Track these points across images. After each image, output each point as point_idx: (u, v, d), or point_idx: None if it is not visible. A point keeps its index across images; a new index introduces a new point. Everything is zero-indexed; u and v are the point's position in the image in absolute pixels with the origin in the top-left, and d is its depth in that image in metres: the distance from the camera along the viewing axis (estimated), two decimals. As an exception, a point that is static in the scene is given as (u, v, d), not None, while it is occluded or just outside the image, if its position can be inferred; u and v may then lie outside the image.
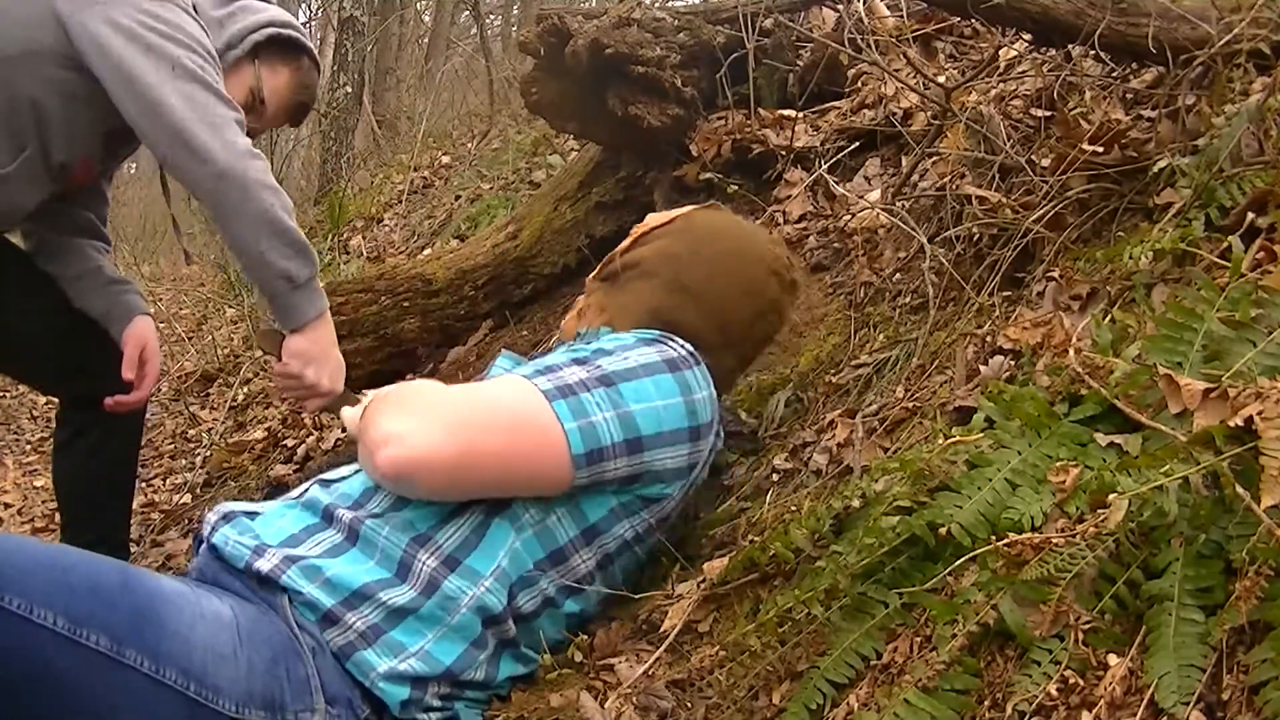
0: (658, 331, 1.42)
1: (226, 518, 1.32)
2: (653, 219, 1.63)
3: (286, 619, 1.20)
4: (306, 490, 1.37)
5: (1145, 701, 0.81)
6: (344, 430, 2.35)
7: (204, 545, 1.31)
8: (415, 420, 1.24)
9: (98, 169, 1.98)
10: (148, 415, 2.53)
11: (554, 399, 1.26)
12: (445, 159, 5.54)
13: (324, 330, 1.78)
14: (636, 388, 1.30)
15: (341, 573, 1.23)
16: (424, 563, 1.24)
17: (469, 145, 5.69)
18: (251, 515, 1.33)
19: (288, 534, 1.29)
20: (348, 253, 4.53)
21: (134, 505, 2.27)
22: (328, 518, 1.30)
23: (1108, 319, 1.23)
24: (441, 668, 1.22)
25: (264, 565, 1.23)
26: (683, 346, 1.39)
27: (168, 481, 3.17)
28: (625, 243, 1.60)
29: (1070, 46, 1.67)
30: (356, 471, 1.37)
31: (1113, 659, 0.87)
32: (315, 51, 2.08)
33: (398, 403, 1.30)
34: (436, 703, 1.23)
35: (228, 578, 1.25)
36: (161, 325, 4.22)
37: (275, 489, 2.56)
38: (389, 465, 1.21)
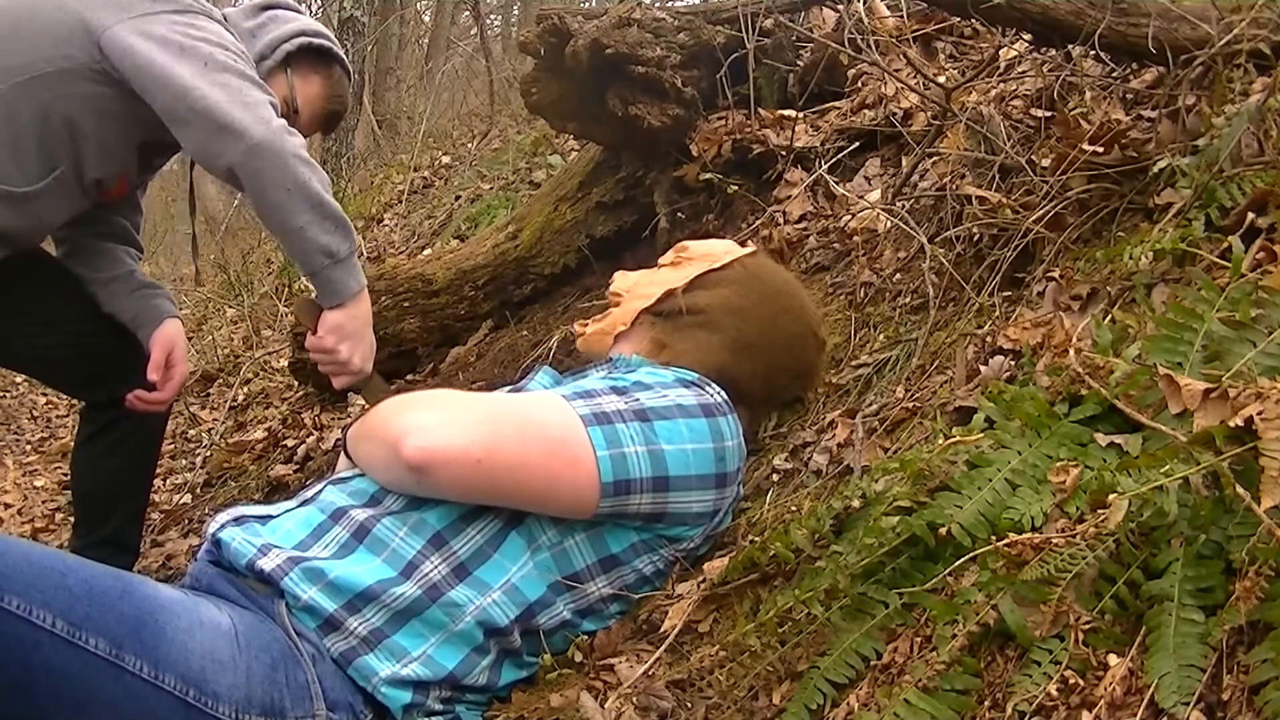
0: (697, 375, 1.41)
1: (238, 520, 1.31)
2: (699, 256, 1.59)
3: (284, 626, 1.20)
4: (320, 491, 1.36)
5: (1145, 701, 0.81)
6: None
7: (204, 547, 1.30)
8: (445, 414, 1.23)
9: (134, 181, 1.99)
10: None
11: (590, 424, 1.26)
12: (445, 159, 5.54)
13: (362, 307, 1.77)
14: (670, 427, 1.30)
15: (345, 574, 1.22)
16: (434, 565, 1.24)
17: (469, 145, 5.69)
18: (263, 520, 1.32)
19: (296, 539, 1.28)
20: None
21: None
22: (336, 516, 1.29)
23: (1108, 319, 1.23)
24: (444, 672, 1.22)
25: (267, 564, 1.22)
26: (719, 394, 1.38)
27: (168, 481, 3.16)
28: (682, 281, 1.55)
29: (1070, 46, 1.67)
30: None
31: (1113, 659, 0.87)
32: (347, 61, 2.09)
33: (426, 400, 1.30)
34: (438, 706, 1.23)
35: (224, 585, 1.24)
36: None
37: (275, 489, 2.55)
38: (416, 454, 1.19)
